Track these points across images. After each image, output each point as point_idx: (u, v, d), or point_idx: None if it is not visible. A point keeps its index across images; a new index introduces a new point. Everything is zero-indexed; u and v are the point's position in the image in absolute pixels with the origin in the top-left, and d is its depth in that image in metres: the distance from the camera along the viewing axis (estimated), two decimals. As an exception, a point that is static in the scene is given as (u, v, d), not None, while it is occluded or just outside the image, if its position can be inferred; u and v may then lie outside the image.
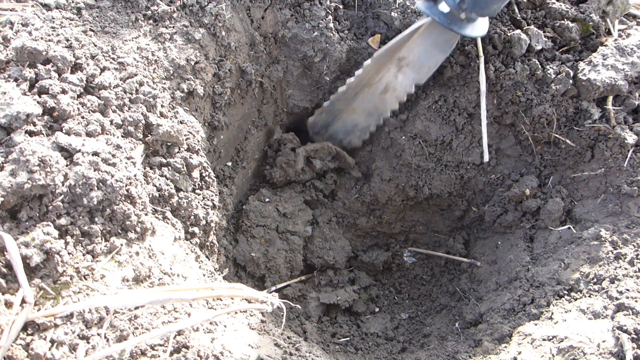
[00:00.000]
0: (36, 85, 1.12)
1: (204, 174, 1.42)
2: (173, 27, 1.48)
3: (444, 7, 1.56)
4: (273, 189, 2.03)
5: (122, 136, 1.19)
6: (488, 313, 1.60)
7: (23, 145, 0.97)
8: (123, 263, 0.99)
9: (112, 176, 1.04)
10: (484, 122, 1.84)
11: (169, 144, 1.31)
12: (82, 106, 1.15)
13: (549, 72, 1.77)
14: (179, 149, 1.34)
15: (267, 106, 1.95)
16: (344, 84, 1.91)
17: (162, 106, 1.32)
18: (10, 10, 1.31)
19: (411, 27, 1.73)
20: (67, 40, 1.24)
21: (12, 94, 1.05)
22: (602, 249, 1.46)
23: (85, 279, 0.93)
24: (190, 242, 1.30)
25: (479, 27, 1.63)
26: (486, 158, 1.86)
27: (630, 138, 1.62)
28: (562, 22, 1.82)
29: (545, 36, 1.81)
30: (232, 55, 1.66)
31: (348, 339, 1.79)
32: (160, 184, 1.24)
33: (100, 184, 1.02)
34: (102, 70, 1.25)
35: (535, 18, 1.88)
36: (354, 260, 2.15)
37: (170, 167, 1.30)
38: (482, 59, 1.81)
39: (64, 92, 1.13)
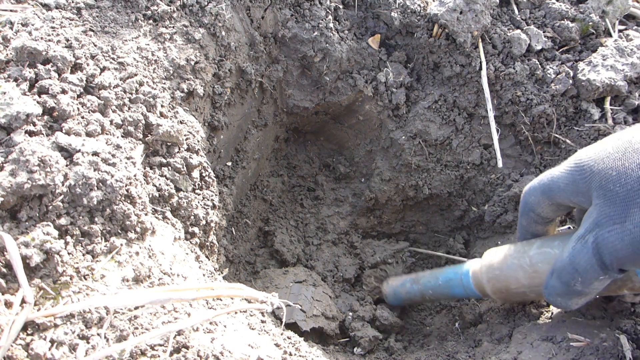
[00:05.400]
0: (36, 85, 1.12)
1: (204, 174, 1.42)
2: (173, 27, 1.48)
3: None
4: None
5: (122, 136, 1.19)
6: (488, 313, 1.60)
7: (23, 145, 0.97)
8: (123, 263, 0.99)
9: (112, 176, 1.04)
10: (494, 128, 1.84)
11: (169, 144, 1.31)
12: (82, 106, 1.15)
13: (548, 72, 1.77)
14: (179, 149, 1.34)
15: (267, 106, 1.95)
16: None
17: (162, 106, 1.32)
18: (10, 10, 1.30)
19: None
20: (67, 40, 1.24)
21: (12, 94, 1.05)
22: (602, 249, 1.45)
23: (85, 279, 0.93)
24: (190, 242, 1.30)
25: None
26: (500, 164, 1.86)
27: (630, 138, 1.62)
28: (562, 22, 1.82)
29: (545, 36, 1.81)
30: (232, 55, 1.66)
31: (348, 339, 1.78)
32: (160, 184, 1.24)
33: (100, 184, 1.02)
34: (102, 70, 1.25)
35: (535, 18, 1.88)
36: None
37: (170, 167, 1.30)
38: (484, 65, 1.81)
39: (64, 92, 1.13)
